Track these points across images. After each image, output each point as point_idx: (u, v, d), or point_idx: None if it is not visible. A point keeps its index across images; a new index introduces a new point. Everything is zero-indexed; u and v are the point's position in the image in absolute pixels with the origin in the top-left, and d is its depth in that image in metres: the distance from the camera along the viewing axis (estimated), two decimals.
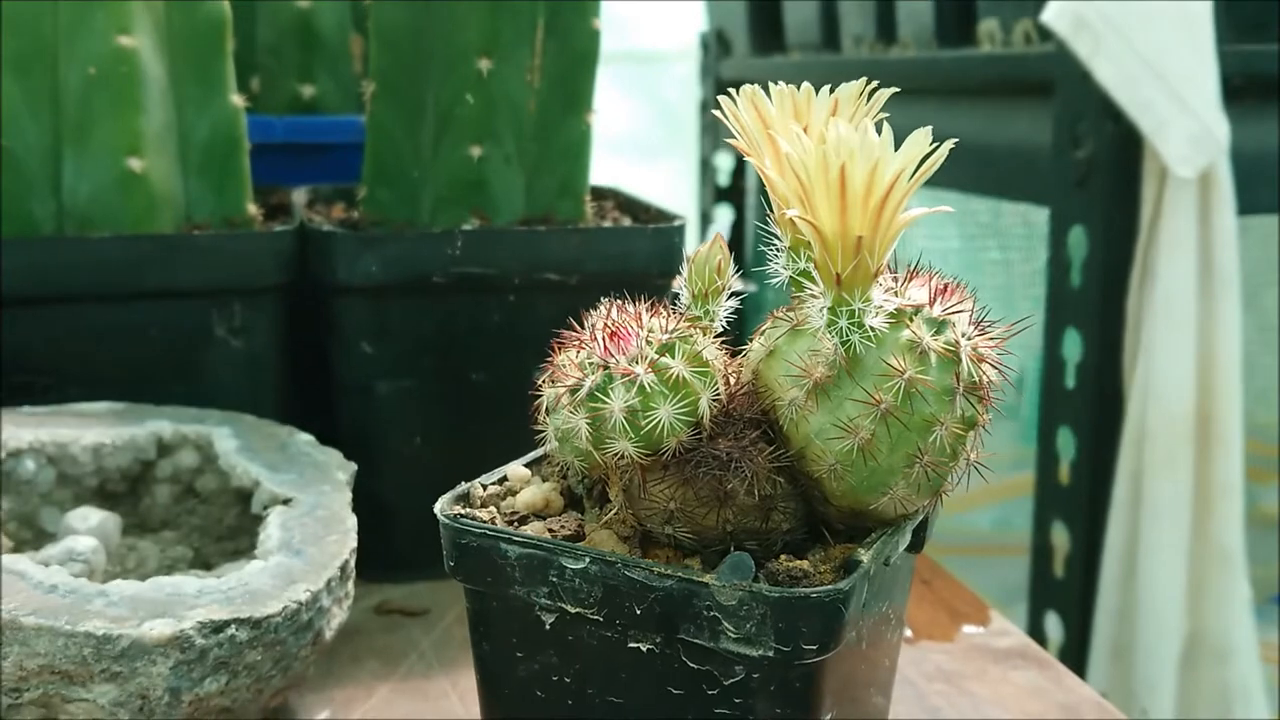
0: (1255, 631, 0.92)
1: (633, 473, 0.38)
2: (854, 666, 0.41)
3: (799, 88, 0.40)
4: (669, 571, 0.37)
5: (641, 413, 0.36)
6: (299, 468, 0.57)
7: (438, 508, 0.41)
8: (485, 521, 0.41)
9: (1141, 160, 0.87)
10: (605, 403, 0.37)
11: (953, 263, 2.13)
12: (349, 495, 0.55)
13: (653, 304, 0.40)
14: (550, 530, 0.41)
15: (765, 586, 0.36)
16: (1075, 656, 0.95)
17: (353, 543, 0.51)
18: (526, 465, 0.46)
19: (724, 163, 1.82)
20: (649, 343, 0.37)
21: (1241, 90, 0.88)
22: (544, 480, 0.45)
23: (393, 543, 0.65)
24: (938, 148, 0.35)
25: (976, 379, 0.37)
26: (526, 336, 0.65)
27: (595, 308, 0.42)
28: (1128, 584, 0.88)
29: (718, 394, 0.38)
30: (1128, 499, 0.88)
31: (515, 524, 0.42)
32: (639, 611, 0.37)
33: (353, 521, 0.53)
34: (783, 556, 0.38)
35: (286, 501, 0.53)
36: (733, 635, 0.36)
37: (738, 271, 0.43)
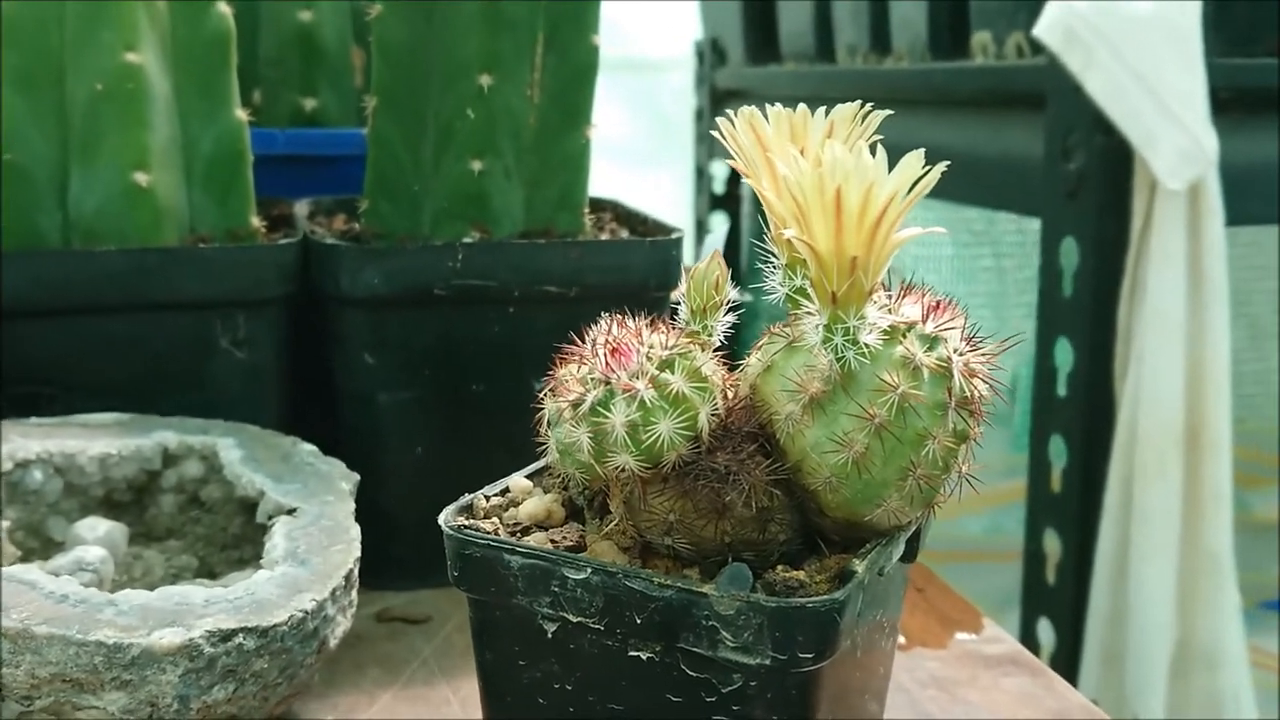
0: (1245, 638, 0.94)
1: (633, 485, 0.39)
2: (849, 674, 0.42)
3: (795, 108, 0.41)
4: (668, 582, 0.37)
5: (642, 427, 0.37)
6: (303, 478, 0.57)
7: (442, 519, 0.42)
8: (488, 533, 0.41)
9: (1132, 172, 0.88)
10: (607, 417, 0.38)
11: (946, 270, 2.14)
12: (352, 505, 0.56)
13: (653, 320, 0.41)
14: (552, 541, 0.42)
15: (762, 596, 0.37)
16: (1067, 662, 0.96)
17: (356, 552, 0.52)
18: (528, 477, 0.47)
19: (719, 171, 1.83)
20: (649, 359, 0.38)
21: (1230, 103, 0.89)
22: (545, 492, 0.46)
23: (394, 551, 0.66)
24: (930, 169, 0.36)
25: (968, 394, 0.38)
26: (526, 348, 0.66)
27: (594, 321, 0.43)
28: (1119, 590, 0.89)
29: (716, 408, 0.39)
30: (1118, 506, 0.89)
31: (518, 535, 0.42)
32: (639, 621, 0.38)
33: (356, 531, 0.54)
34: (779, 567, 0.39)
35: (291, 512, 0.54)
36: (730, 644, 0.37)
37: (733, 281, 0.44)
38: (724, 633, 0.37)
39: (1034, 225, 1.92)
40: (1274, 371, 1.91)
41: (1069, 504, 0.95)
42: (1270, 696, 1.24)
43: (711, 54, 1.76)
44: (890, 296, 0.40)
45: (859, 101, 0.42)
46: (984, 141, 1.06)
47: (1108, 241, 0.90)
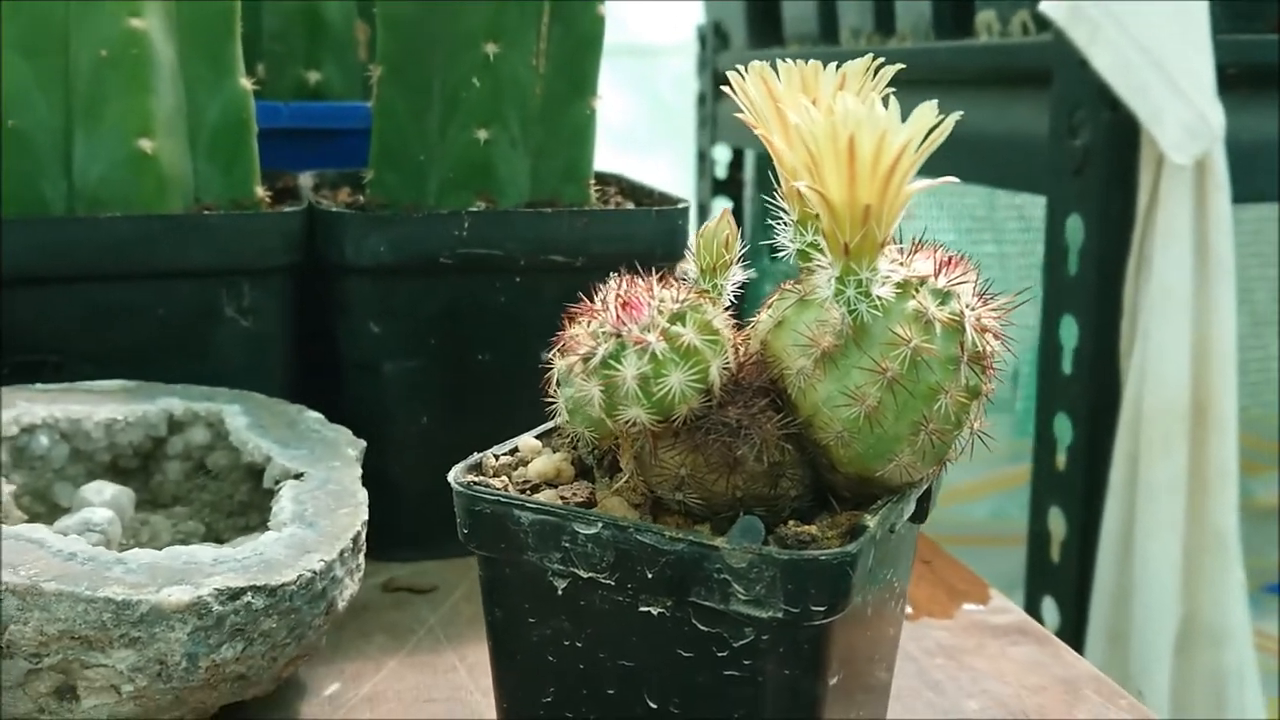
0: (1249, 616, 0.93)
1: (644, 440, 0.39)
2: (860, 634, 0.42)
3: (806, 63, 0.41)
4: (680, 536, 0.37)
5: (653, 380, 0.37)
6: (309, 444, 0.57)
7: (451, 476, 0.42)
8: (498, 489, 0.41)
9: (1138, 148, 0.88)
10: (618, 370, 0.37)
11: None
12: (359, 470, 0.56)
13: (663, 276, 0.41)
14: (562, 498, 0.41)
15: (775, 549, 0.36)
16: (1071, 640, 0.96)
17: (364, 515, 0.52)
18: (537, 438, 0.47)
19: (721, 155, 1.83)
20: (660, 312, 0.38)
21: (1237, 79, 0.89)
22: (555, 451, 0.46)
23: (400, 521, 0.66)
24: (944, 119, 0.36)
25: (980, 349, 0.38)
26: (532, 317, 0.66)
27: (602, 286, 0.42)
28: (1124, 568, 0.89)
29: (727, 362, 0.39)
30: (1124, 483, 0.89)
31: (527, 492, 0.42)
32: (650, 575, 0.38)
33: (363, 495, 0.53)
34: (790, 522, 0.39)
35: (298, 476, 0.54)
36: (742, 597, 0.37)
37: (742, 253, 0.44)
38: (736, 586, 0.37)
39: (1035, 211, 1.91)
40: (1274, 359, 1.91)
41: (1074, 482, 0.95)
42: (1271, 679, 1.24)
43: (714, 38, 1.75)
44: (902, 252, 0.40)
45: (869, 56, 0.42)
46: (989, 120, 1.06)
47: (1113, 218, 0.90)
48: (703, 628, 0.38)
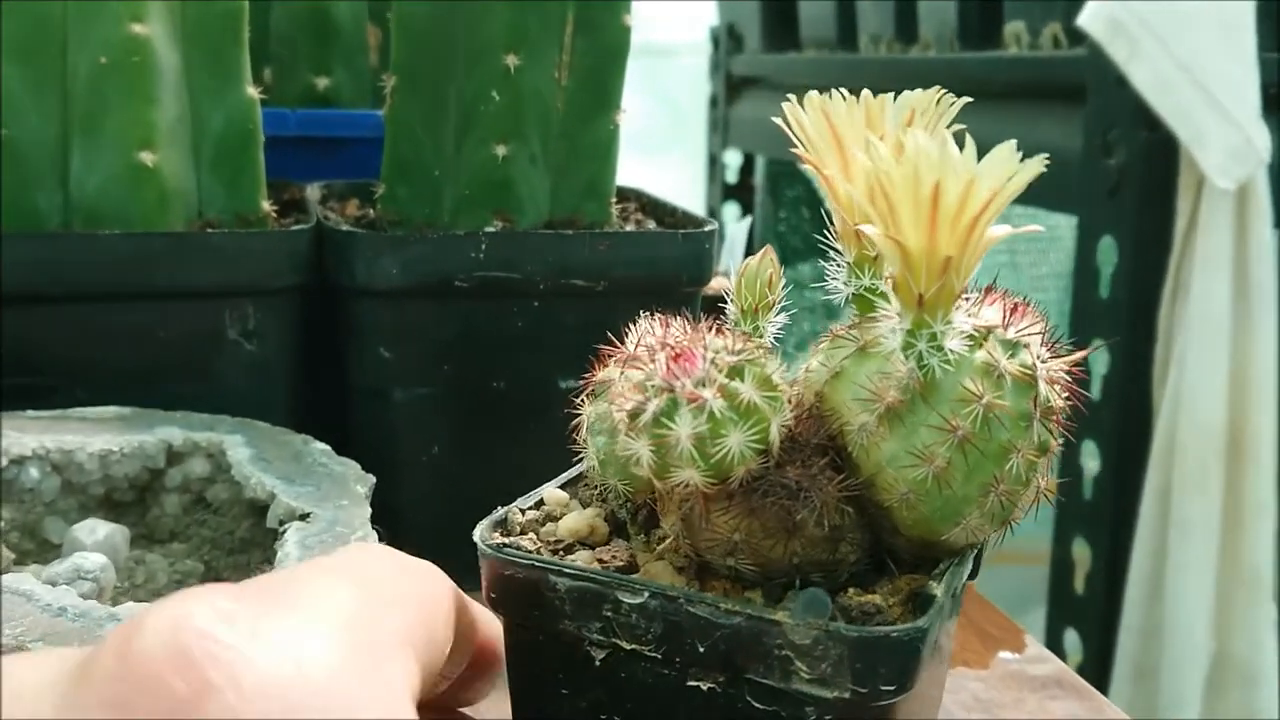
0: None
1: (694, 502, 0.36)
2: (914, 705, 0.39)
3: (873, 95, 0.37)
4: (736, 608, 0.34)
5: (710, 440, 0.34)
6: (315, 479, 0.54)
7: (477, 536, 0.39)
8: (531, 551, 0.38)
9: (1176, 170, 0.85)
10: (671, 429, 0.34)
11: None
12: (368, 510, 0.53)
13: (713, 322, 0.38)
14: (600, 561, 0.38)
15: (843, 625, 0.33)
16: (1095, 674, 0.93)
17: None
18: (561, 487, 0.44)
19: (732, 159, 1.80)
20: (716, 365, 0.35)
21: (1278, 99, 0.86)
22: (583, 504, 0.42)
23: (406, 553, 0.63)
24: (1029, 164, 0.33)
25: (1052, 403, 0.36)
26: (550, 343, 0.63)
27: (622, 316, 0.39)
28: (1154, 603, 0.86)
29: (786, 419, 0.35)
30: (1155, 515, 0.86)
31: (560, 553, 0.39)
32: (702, 649, 0.35)
33: (373, 538, 0.50)
34: (851, 590, 0.36)
35: (304, 517, 0.51)
36: (806, 676, 0.34)
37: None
38: (799, 663, 0.34)
39: (1051, 223, 1.89)
40: None
41: (1101, 512, 0.92)
42: None
43: (727, 40, 1.72)
44: (969, 299, 0.37)
45: (936, 89, 0.39)
46: (1017, 135, 1.03)
47: (1148, 241, 0.87)
48: (758, 705, 0.35)
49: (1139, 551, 0.87)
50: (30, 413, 0.56)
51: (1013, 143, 0.33)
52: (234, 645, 0.26)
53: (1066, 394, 0.37)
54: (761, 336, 0.40)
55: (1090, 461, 0.93)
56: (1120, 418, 0.90)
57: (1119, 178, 0.87)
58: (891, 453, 0.35)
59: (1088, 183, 0.91)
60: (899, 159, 0.32)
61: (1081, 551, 0.95)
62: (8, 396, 0.58)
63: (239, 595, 0.28)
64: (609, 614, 0.36)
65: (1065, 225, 1.94)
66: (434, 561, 0.38)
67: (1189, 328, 0.84)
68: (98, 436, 0.55)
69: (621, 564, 0.38)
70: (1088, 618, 0.94)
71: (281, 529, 0.51)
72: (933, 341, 0.34)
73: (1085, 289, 0.93)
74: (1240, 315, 0.83)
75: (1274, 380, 0.84)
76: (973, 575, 0.42)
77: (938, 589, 0.35)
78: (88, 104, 0.59)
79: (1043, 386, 0.35)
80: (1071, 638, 0.96)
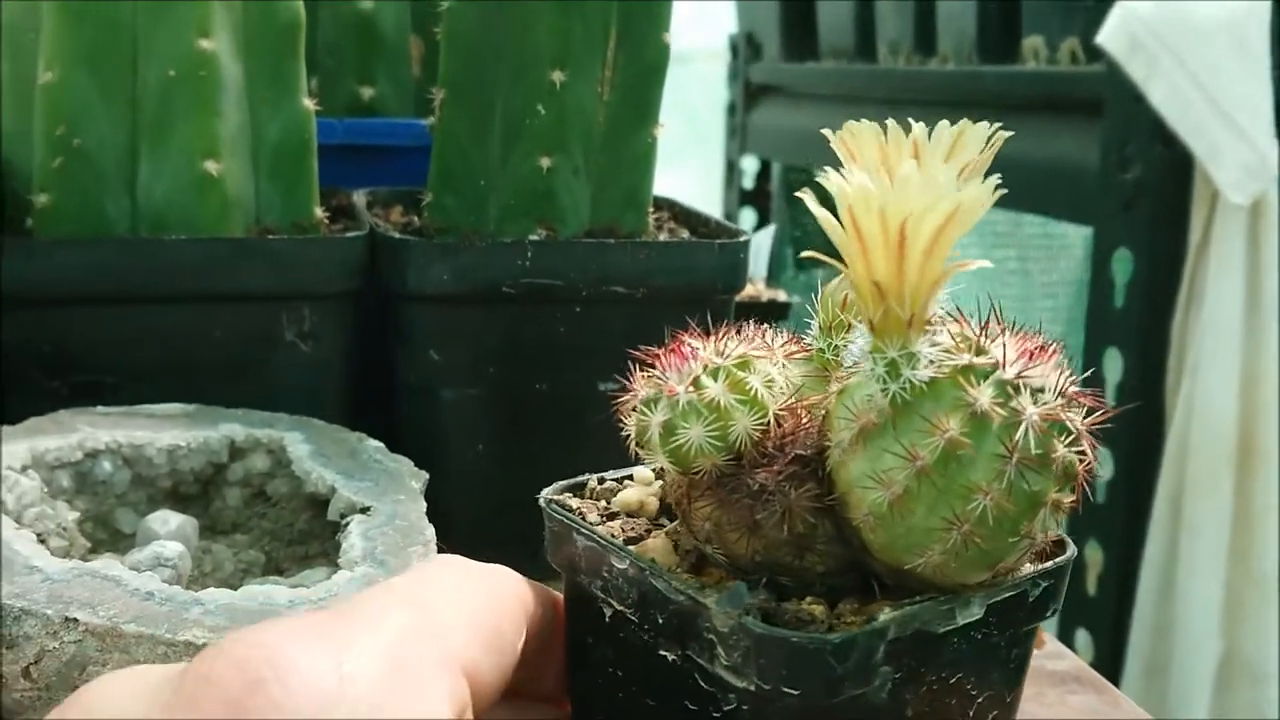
0: None
1: (686, 488, 0.39)
2: None
3: (892, 108, 0.39)
4: (682, 587, 0.37)
5: (675, 430, 0.37)
6: (373, 475, 0.57)
7: (545, 490, 0.43)
8: (571, 510, 0.42)
9: (1191, 184, 0.88)
10: (647, 416, 0.38)
11: (971, 271, 2.14)
12: (424, 505, 0.55)
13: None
14: (623, 530, 0.41)
15: (751, 620, 0.35)
16: (1106, 673, 0.96)
17: (433, 554, 0.51)
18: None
19: (749, 165, 1.82)
20: (706, 366, 0.38)
21: None
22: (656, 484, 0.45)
23: (452, 550, 0.65)
24: (982, 192, 0.34)
25: (1041, 452, 0.34)
26: (591, 348, 0.66)
27: (664, 322, 0.42)
28: (1165, 603, 0.89)
29: (763, 423, 0.38)
30: (1167, 519, 0.89)
31: (605, 519, 0.43)
32: (661, 621, 0.38)
33: (431, 532, 0.53)
34: (809, 598, 0.38)
35: (365, 510, 0.54)
36: (724, 662, 0.36)
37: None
38: (720, 649, 0.36)
39: (1061, 230, 1.91)
40: None
41: (1113, 515, 0.94)
42: None
43: (746, 48, 1.75)
44: (982, 333, 0.37)
45: (964, 122, 0.40)
46: (1033, 148, 1.06)
47: (1164, 253, 0.89)
48: (702, 684, 0.37)
49: (1150, 553, 0.90)
50: (100, 408, 0.59)
51: (989, 181, 0.34)
52: (290, 655, 0.30)
53: (1080, 451, 0.35)
54: (835, 353, 0.42)
55: (1103, 466, 0.95)
56: (1134, 424, 0.93)
57: (1135, 191, 0.90)
58: (859, 472, 0.36)
59: (1104, 196, 0.93)
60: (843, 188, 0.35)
61: (1094, 553, 0.97)
62: (76, 392, 0.61)
63: (308, 618, 0.33)
64: (606, 574, 0.39)
65: (1075, 234, 1.96)
66: (475, 555, 0.41)
67: (1202, 337, 0.86)
68: (165, 432, 0.58)
69: (634, 536, 0.41)
70: (1100, 617, 0.96)
71: (344, 522, 0.54)
72: (890, 368, 0.35)
73: (1100, 299, 0.95)
74: (1251, 326, 0.86)
75: None
76: (1023, 621, 0.40)
77: (884, 615, 0.36)
78: (156, 115, 0.62)
79: (1028, 431, 0.34)
80: (1083, 637, 0.99)
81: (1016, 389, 0.35)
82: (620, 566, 0.39)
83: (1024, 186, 1.06)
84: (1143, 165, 0.89)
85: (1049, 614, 0.40)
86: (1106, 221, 0.94)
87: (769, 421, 0.38)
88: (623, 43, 0.67)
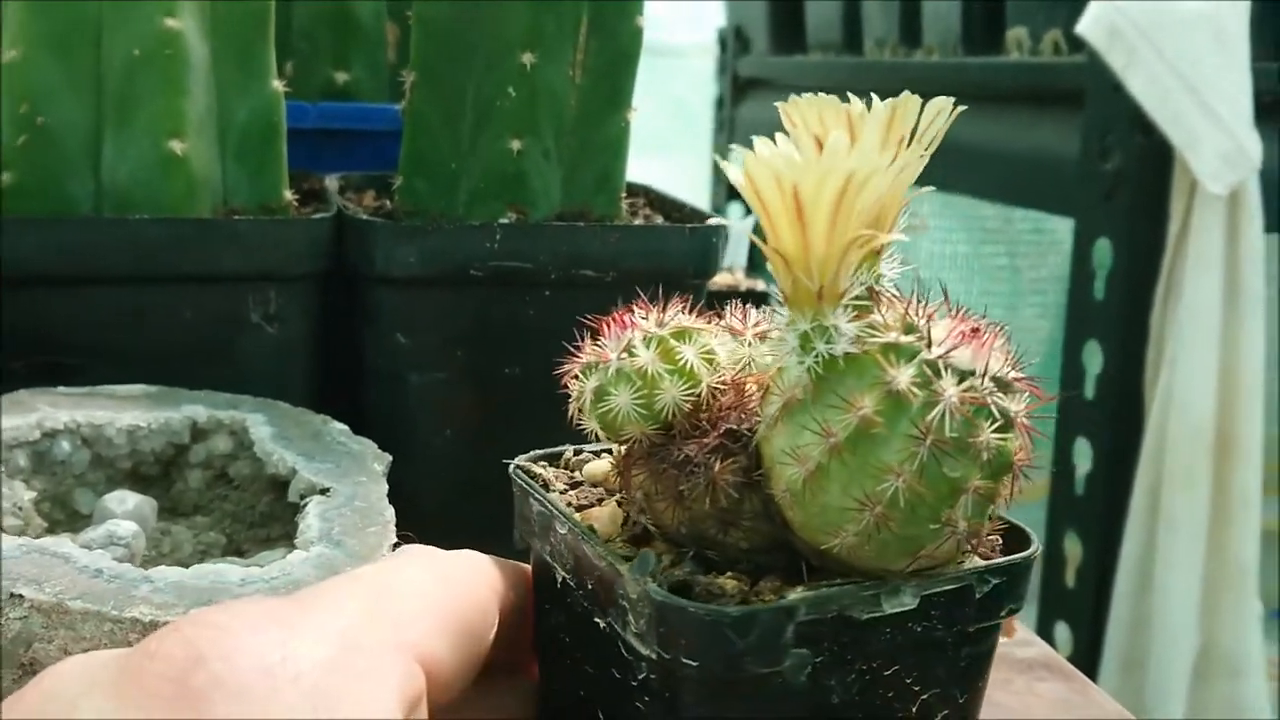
0: (1264, 647, 0.93)
1: (623, 457, 0.39)
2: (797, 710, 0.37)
3: (879, 98, 0.38)
4: (603, 553, 0.37)
5: (603, 395, 0.37)
6: (335, 457, 0.56)
7: (519, 457, 0.43)
8: (534, 477, 0.43)
9: (1170, 174, 0.87)
10: (583, 381, 0.38)
11: (960, 267, 2.13)
12: (385, 487, 0.55)
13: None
14: (578, 498, 0.42)
15: (655, 588, 0.35)
16: (1085, 666, 0.95)
17: (392, 536, 0.51)
18: None
19: (738, 160, 1.82)
20: (645, 336, 0.38)
21: (1272, 107, 0.88)
22: None
23: (419, 534, 0.65)
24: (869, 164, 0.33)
25: (958, 436, 0.33)
26: (560, 331, 0.65)
27: (631, 304, 0.42)
28: (1142, 597, 0.88)
29: (693, 394, 0.37)
30: (1145, 511, 0.88)
31: (570, 488, 0.43)
32: (590, 586, 0.38)
33: (391, 514, 0.53)
34: (728, 574, 0.37)
35: (324, 491, 0.53)
36: (633, 630, 0.36)
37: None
38: (630, 615, 0.36)
39: (1050, 225, 1.90)
40: None
41: (1092, 508, 0.94)
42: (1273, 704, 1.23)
43: (734, 42, 1.75)
44: (920, 312, 0.35)
45: (906, 94, 0.39)
46: (1016, 138, 1.05)
47: (1143, 244, 0.89)
48: (624, 652, 0.37)
49: (1128, 546, 0.90)
50: (61, 389, 0.58)
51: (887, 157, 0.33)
52: (236, 633, 0.30)
53: (1020, 445, 0.34)
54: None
55: (1082, 458, 0.95)
56: (1112, 416, 0.92)
57: (1115, 181, 0.89)
58: (779, 447, 0.35)
59: (1085, 186, 0.93)
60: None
61: (1073, 546, 0.97)
62: (37, 373, 0.60)
63: (261, 602, 0.33)
64: (552, 540, 0.39)
65: (1064, 230, 1.96)
66: (442, 539, 0.41)
67: (1180, 329, 0.86)
68: (126, 413, 0.57)
69: (584, 504, 0.41)
70: (1078, 611, 0.96)
71: (302, 503, 0.53)
72: (802, 340, 0.34)
73: (1081, 290, 0.95)
74: (1230, 317, 0.85)
75: (1261, 381, 0.86)
76: (971, 616, 0.37)
77: (793, 595, 0.35)
78: (121, 94, 0.61)
79: (944, 413, 0.33)
80: (1062, 630, 0.99)
81: (938, 371, 0.33)
82: (561, 532, 0.39)
83: (1008, 178, 1.06)
84: (1122, 155, 0.89)
85: (1004, 613, 0.38)
86: (1087, 212, 0.94)
87: (701, 393, 0.37)
88: (595, 27, 0.67)
